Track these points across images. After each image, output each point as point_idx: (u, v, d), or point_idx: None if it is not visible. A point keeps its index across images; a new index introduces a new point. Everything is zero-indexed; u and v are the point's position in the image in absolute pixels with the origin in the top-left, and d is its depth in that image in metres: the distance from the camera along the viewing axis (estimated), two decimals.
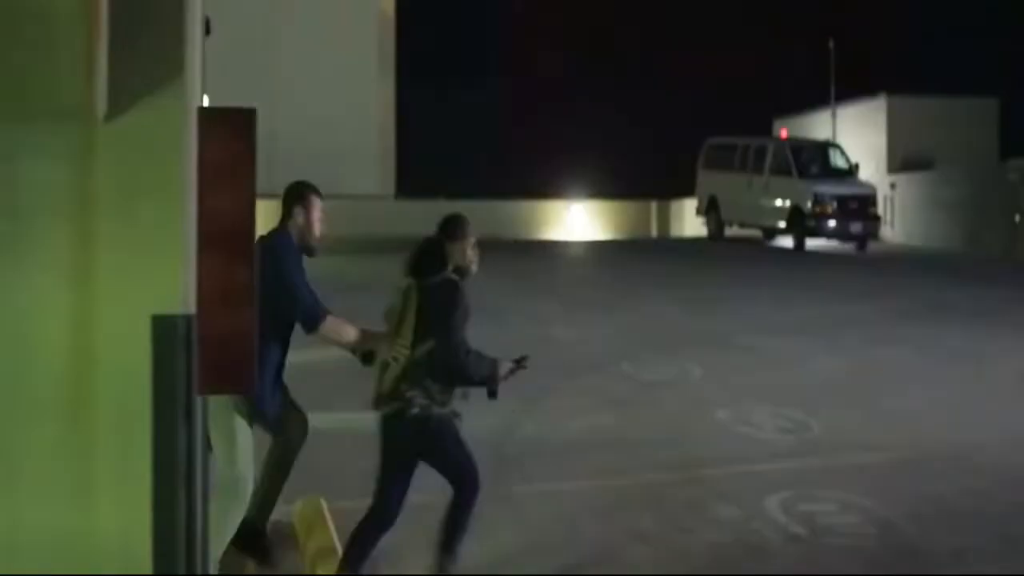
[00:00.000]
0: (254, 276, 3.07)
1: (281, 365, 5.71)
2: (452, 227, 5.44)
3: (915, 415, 9.23)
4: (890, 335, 13.32)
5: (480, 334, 12.86)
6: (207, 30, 13.94)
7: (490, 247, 25.47)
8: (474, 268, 5.58)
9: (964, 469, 7.56)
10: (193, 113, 3.05)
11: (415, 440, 5.26)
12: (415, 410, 5.15)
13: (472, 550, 5.46)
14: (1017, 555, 6.05)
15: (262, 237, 5.06)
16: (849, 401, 9.76)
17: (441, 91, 49.69)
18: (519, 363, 5.55)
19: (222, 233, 2.98)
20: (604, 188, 42.39)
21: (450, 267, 5.37)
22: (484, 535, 5.81)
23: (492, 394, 5.45)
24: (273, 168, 41.46)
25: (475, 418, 8.65)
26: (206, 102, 14.20)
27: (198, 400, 2.93)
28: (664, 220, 40.76)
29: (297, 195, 5.81)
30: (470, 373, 5.33)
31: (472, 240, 5.55)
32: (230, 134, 3.08)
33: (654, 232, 40.44)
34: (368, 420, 5.43)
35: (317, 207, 5.84)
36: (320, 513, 6.31)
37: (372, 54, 43.48)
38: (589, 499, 6.97)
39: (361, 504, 6.52)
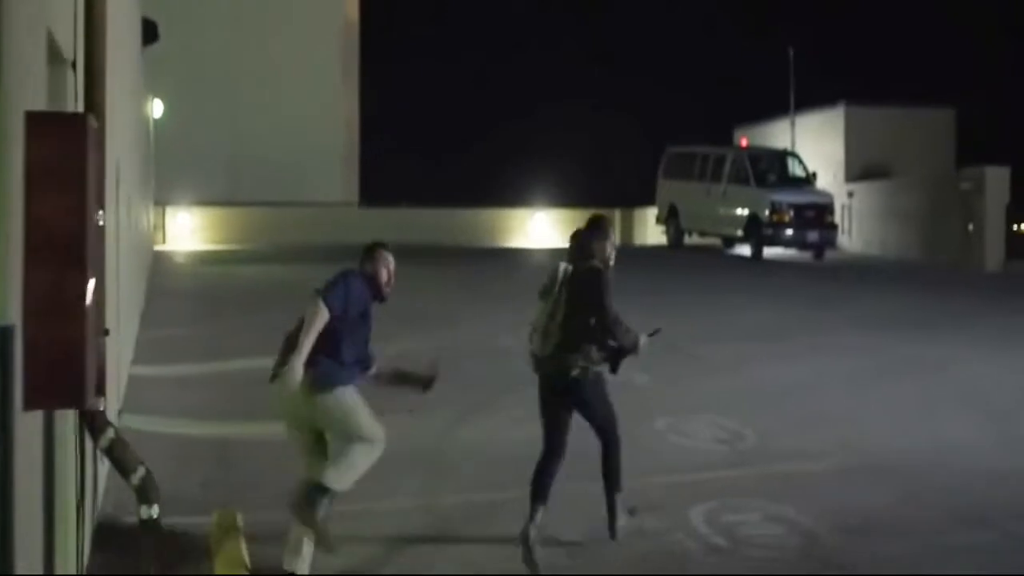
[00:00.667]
0: (86, 286, 2.94)
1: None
2: (597, 228, 6.65)
3: (853, 423, 9.20)
4: (837, 343, 13.33)
5: (427, 341, 12.86)
6: (154, 36, 13.73)
7: (450, 255, 25.60)
8: (612, 262, 6.58)
9: (895, 478, 7.53)
10: (19, 116, 2.91)
11: (574, 394, 6.42)
12: (576, 371, 6.30)
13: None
14: (938, 566, 6.00)
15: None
16: (789, 409, 9.73)
17: (406, 99, 49.66)
18: (652, 336, 6.62)
19: (51, 242, 2.85)
20: (569, 196, 42.40)
21: (596, 259, 6.44)
22: (402, 539, 5.70)
23: (616, 369, 6.50)
24: (235, 175, 41.22)
25: (416, 428, 8.65)
26: (158, 107, 13.96)
27: (14, 414, 2.76)
28: (628, 228, 40.76)
29: (367, 251, 6.21)
30: (622, 341, 6.39)
31: (612, 239, 6.65)
32: (61, 139, 2.94)
33: (618, 240, 40.35)
34: None
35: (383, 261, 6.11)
36: (234, 525, 6.21)
37: (336, 60, 43.27)
38: (516, 509, 6.86)
39: (276, 516, 6.44)
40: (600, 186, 42.73)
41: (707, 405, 9.72)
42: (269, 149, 39.84)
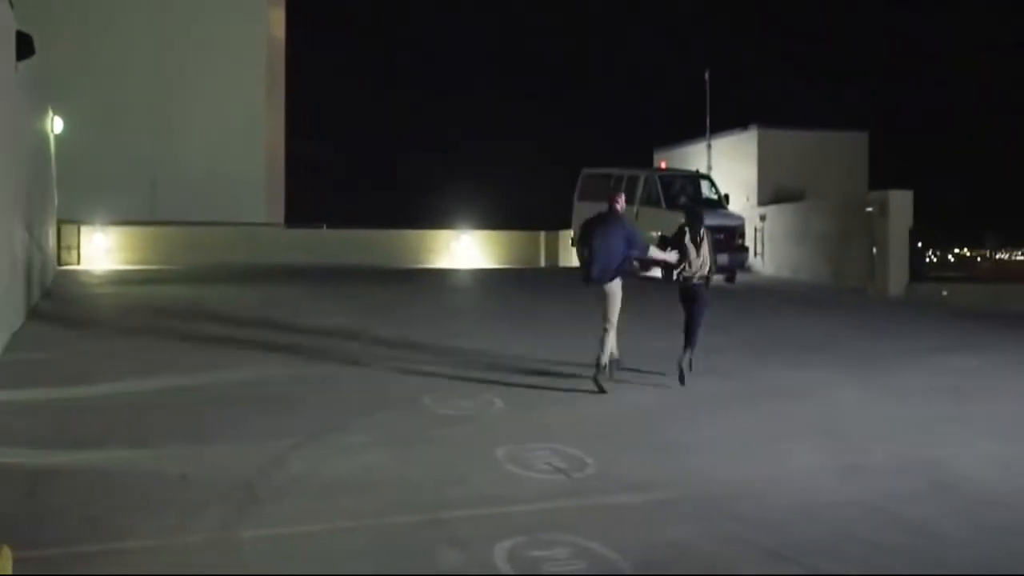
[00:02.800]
0: None
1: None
2: (702, 209, 13.97)
3: (701, 452, 9.05)
4: (716, 367, 13.25)
5: (294, 367, 12.56)
6: (30, 50, 13.29)
7: (368, 277, 25.21)
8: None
9: (725, 511, 7.36)
10: None
11: (703, 293, 12.38)
12: (709, 281, 12.47)
13: None
14: None
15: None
16: (643, 437, 9.58)
17: (332, 119, 49.40)
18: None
19: None
20: (497, 219, 42.47)
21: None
22: None
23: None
24: (156, 194, 40.54)
25: (239, 459, 8.39)
26: (58, 125, 13.61)
27: None
28: (553, 250, 40.84)
29: None
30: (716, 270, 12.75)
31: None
32: None
33: (543, 261, 40.53)
34: None
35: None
36: (6, 563, 5.90)
37: (260, 79, 42.84)
38: (321, 543, 6.61)
39: (50, 552, 6.15)
40: (527, 209, 42.75)
41: (559, 432, 9.53)
42: (191, 168, 39.40)
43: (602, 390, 11.40)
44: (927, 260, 26.07)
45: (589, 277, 11.78)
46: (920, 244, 26.36)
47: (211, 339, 15.14)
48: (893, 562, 6.41)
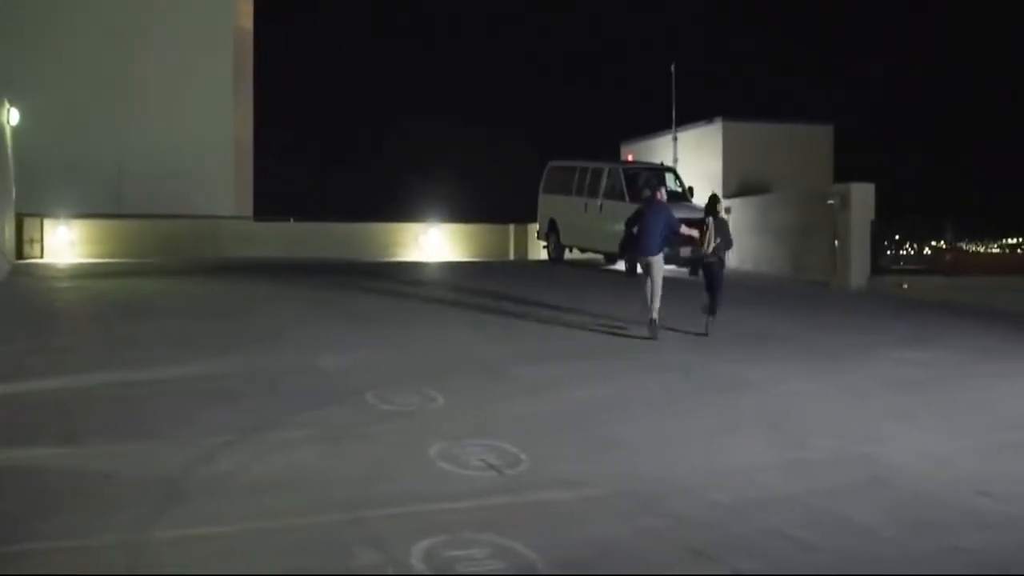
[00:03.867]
0: None
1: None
2: (718, 201, 16.35)
3: (639, 448, 8.95)
4: (662, 362, 13.17)
5: (241, 362, 12.36)
6: None
7: (329, 271, 24.78)
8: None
9: (655, 508, 7.25)
10: None
11: (719, 270, 15.51)
12: (721, 258, 15.69)
13: None
14: None
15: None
16: (582, 433, 9.43)
17: (300, 112, 49.08)
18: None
19: None
20: (466, 212, 42.31)
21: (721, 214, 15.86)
22: None
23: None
24: (123, 186, 40.12)
25: (164, 457, 8.22)
26: (14, 116, 13.34)
27: None
28: (522, 243, 40.64)
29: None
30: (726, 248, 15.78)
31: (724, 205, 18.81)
32: None
33: (512, 255, 40.37)
34: None
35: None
36: None
37: (228, 70, 42.40)
38: (235, 544, 6.46)
39: None
40: (496, 202, 42.60)
41: (501, 428, 9.39)
42: (159, 160, 38.94)
43: (655, 337, 14.85)
44: (905, 252, 26.00)
45: (637, 251, 15.82)
46: (898, 236, 26.37)
47: (158, 334, 14.92)
48: (817, 560, 6.32)
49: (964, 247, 24.99)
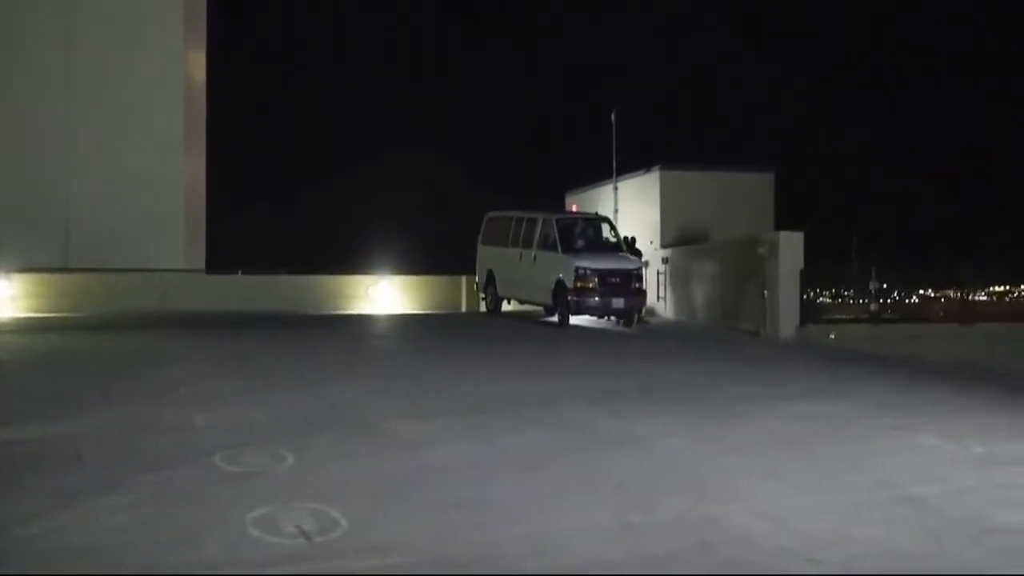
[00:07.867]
0: None
1: None
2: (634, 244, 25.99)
3: (480, 510, 8.53)
4: (555, 417, 12.81)
5: (113, 420, 11.95)
6: None
7: (260, 323, 24.35)
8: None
9: None
10: None
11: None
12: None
13: None
14: None
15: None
16: (426, 494, 9.02)
17: (254, 162, 48.85)
18: None
19: None
20: (414, 265, 42.05)
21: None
22: None
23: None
24: (70, 239, 39.63)
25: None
26: None
27: None
28: (474, 294, 40.35)
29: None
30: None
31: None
32: None
33: (463, 306, 40.16)
34: None
35: None
36: None
37: (179, 121, 42.14)
38: None
39: None
40: (446, 254, 42.38)
41: (333, 490, 8.99)
42: (107, 212, 38.56)
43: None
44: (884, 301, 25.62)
45: None
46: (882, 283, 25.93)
47: (44, 390, 14.53)
48: None
49: (895, 296, 24.74)
